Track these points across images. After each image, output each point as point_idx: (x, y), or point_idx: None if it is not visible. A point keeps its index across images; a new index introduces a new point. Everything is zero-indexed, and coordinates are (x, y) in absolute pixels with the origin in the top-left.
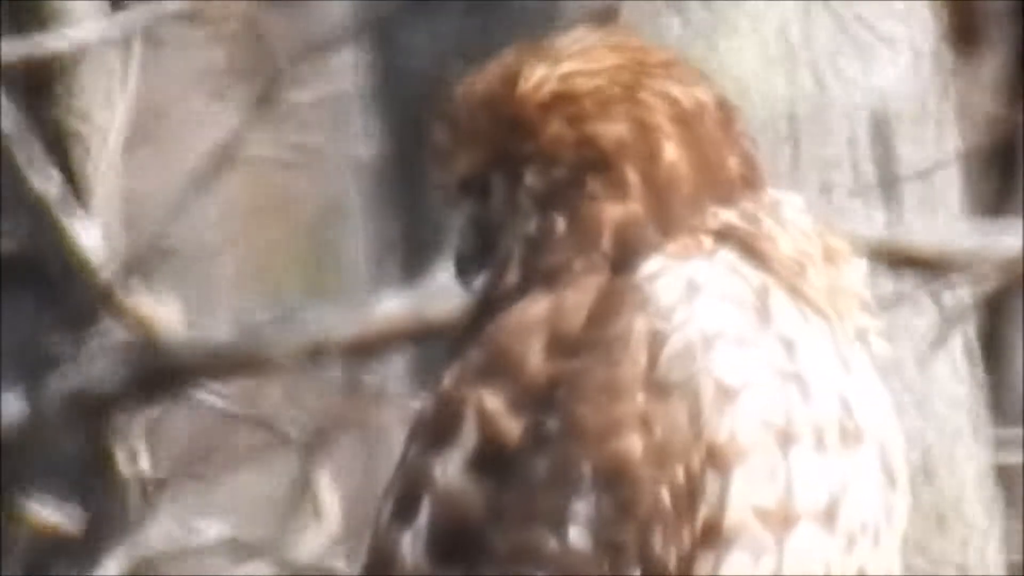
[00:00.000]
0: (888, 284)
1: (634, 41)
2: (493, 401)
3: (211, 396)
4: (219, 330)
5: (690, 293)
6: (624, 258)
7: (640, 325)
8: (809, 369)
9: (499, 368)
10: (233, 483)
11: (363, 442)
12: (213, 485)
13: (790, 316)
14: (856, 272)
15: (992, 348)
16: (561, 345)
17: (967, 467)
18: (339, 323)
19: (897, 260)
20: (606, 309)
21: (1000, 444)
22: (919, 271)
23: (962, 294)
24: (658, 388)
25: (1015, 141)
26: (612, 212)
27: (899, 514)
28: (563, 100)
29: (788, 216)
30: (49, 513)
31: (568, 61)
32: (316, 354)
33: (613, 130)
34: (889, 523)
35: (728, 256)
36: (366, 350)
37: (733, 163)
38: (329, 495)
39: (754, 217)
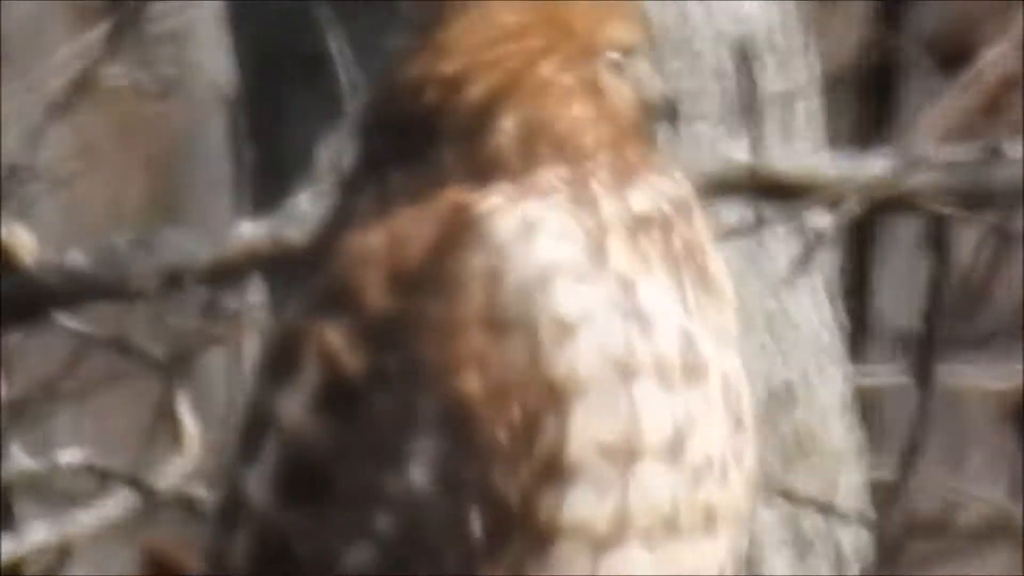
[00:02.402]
0: (748, 215)
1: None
2: (334, 336)
3: (70, 320)
4: (77, 257)
5: (526, 231)
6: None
7: (477, 262)
8: (649, 305)
9: (339, 301)
10: (93, 409)
11: (225, 367)
12: (72, 412)
13: (626, 257)
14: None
15: (857, 279)
16: (399, 280)
17: (829, 402)
18: (198, 248)
19: (759, 189)
20: (443, 246)
21: (864, 376)
22: (780, 202)
23: (823, 225)
24: (495, 325)
25: (887, 68)
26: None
27: (748, 456)
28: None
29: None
30: None
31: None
32: (175, 279)
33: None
34: (738, 463)
35: (565, 198)
36: (225, 275)
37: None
38: (190, 420)
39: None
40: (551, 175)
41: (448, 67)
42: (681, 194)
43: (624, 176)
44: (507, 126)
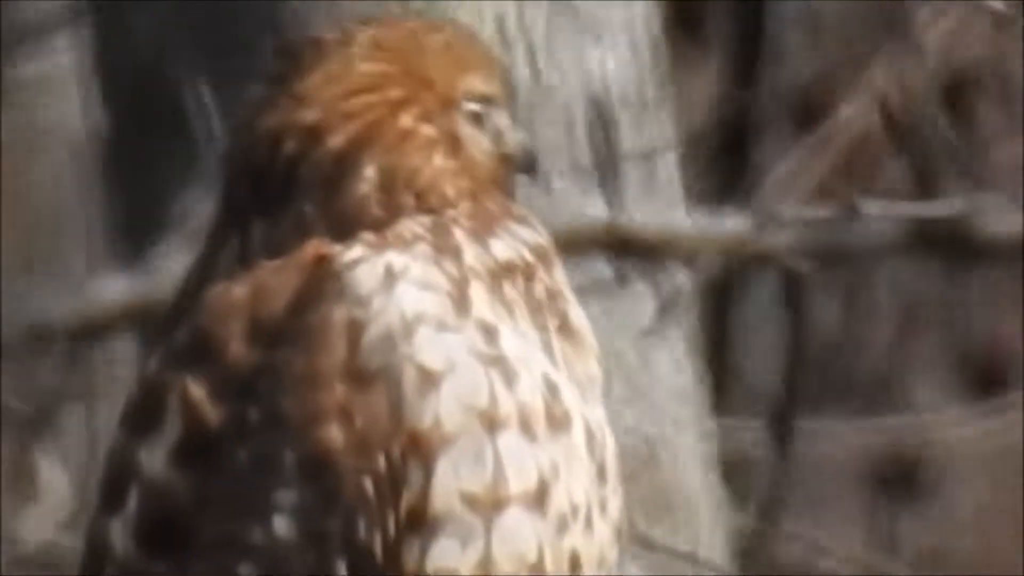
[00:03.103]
0: (607, 271)
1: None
2: (196, 388)
3: None
4: None
5: (388, 281)
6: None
7: (339, 314)
8: (513, 354)
9: (202, 353)
10: None
11: (89, 422)
12: None
13: (489, 304)
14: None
15: (717, 336)
16: (262, 332)
17: (690, 456)
18: (62, 305)
19: (617, 246)
20: (306, 298)
21: (724, 432)
22: (639, 258)
23: (681, 282)
24: (358, 377)
25: (742, 126)
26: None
27: (611, 507)
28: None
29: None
30: None
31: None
32: (39, 335)
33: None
34: (602, 511)
35: (428, 247)
36: (90, 332)
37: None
38: (52, 474)
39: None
40: (414, 224)
41: (308, 117)
42: (541, 242)
43: (486, 225)
44: (368, 176)
